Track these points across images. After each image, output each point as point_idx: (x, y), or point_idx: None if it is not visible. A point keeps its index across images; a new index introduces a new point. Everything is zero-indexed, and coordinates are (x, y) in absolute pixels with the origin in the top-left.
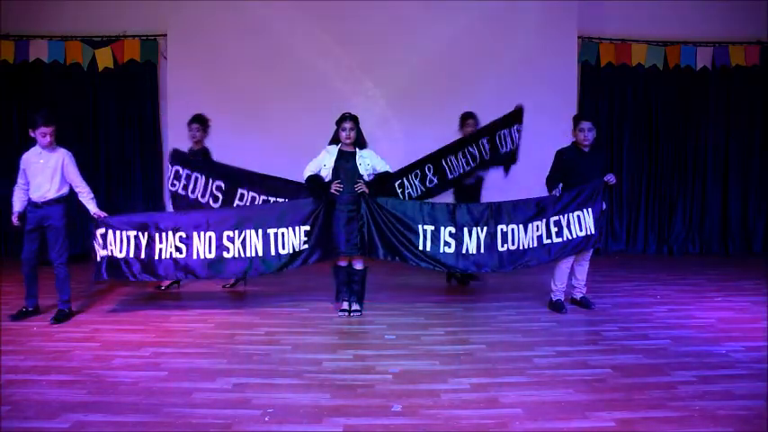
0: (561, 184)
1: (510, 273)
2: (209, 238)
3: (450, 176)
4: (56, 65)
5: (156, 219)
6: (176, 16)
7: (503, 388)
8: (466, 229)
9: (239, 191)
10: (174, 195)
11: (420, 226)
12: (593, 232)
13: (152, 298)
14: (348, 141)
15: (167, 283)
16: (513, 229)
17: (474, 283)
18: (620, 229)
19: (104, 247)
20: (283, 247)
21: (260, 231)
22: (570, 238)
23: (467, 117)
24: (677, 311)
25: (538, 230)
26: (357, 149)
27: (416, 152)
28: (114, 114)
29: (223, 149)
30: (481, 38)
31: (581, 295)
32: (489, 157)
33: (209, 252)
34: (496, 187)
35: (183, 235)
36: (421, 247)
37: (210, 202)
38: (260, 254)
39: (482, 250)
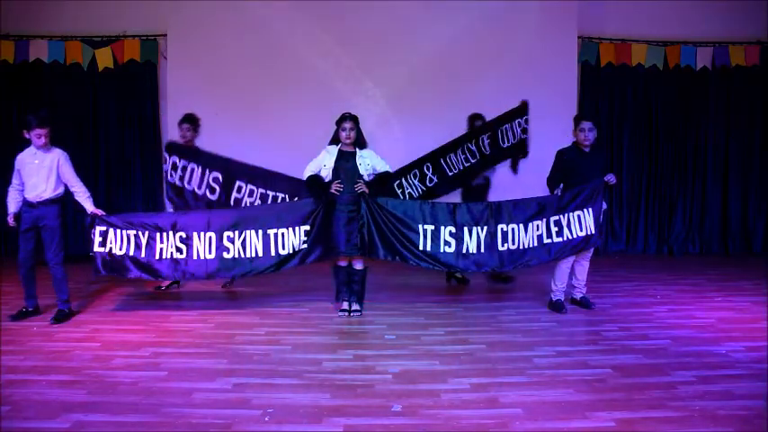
0: (562, 185)
1: (510, 272)
2: (210, 238)
3: (450, 174)
4: (56, 65)
5: (156, 219)
6: (176, 16)
7: (503, 388)
8: (466, 229)
9: (237, 183)
10: (172, 187)
11: (420, 225)
12: (592, 232)
13: (152, 298)
14: (348, 141)
15: (167, 283)
16: (513, 229)
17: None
18: (620, 229)
19: (103, 244)
20: (283, 248)
21: (260, 232)
22: (570, 237)
23: (475, 118)
24: (677, 311)
25: (538, 230)
26: (357, 149)
27: (416, 152)
28: (114, 114)
29: (223, 149)
30: (481, 38)
31: (581, 295)
32: (490, 153)
33: (210, 253)
34: (500, 187)
35: (184, 235)
36: (421, 247)
37: (207, 193)
38: (260, 254)
39: (482, 250)
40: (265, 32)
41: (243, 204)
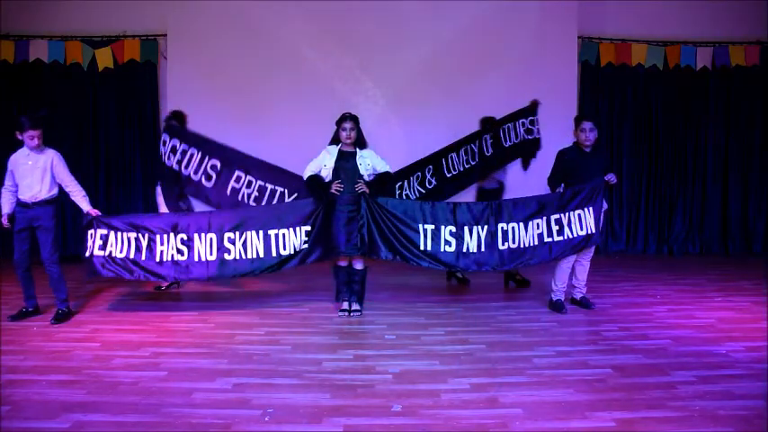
0: (563, 185)
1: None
2: (211, 239)
3: (447, 174)
4: (56, 65)
5: (157, 221)
6: (176, 16)
7: (503, 388)
8: (466, 228)
9: (236, 172)
10: (168, 170)
11: (420, 225)
12: (593, 231)
13: (152, 298)
14: (348, 141)
15: (167, 283)
16: (513, 228)
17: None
18: (620, 229)
19: (103, 248)
20: (284, 248)
21: (261, 233)
22: (571, 236)
23: (486, 122)
24: (677, 311)
25: (538, 228)
26: (357, 149)
27: (416, 152)
28: (114, 114)
29: None
30: (481, 38)
31: (581, 295)
32: (492, 153)
33: (211, 254)
34: (511, 190)
35: (185, 237)
36: (422, 247)
37: (203, 179)
38: (261, 255)
39: (483, 249)
40: (265, 32)
41: (240, 195)
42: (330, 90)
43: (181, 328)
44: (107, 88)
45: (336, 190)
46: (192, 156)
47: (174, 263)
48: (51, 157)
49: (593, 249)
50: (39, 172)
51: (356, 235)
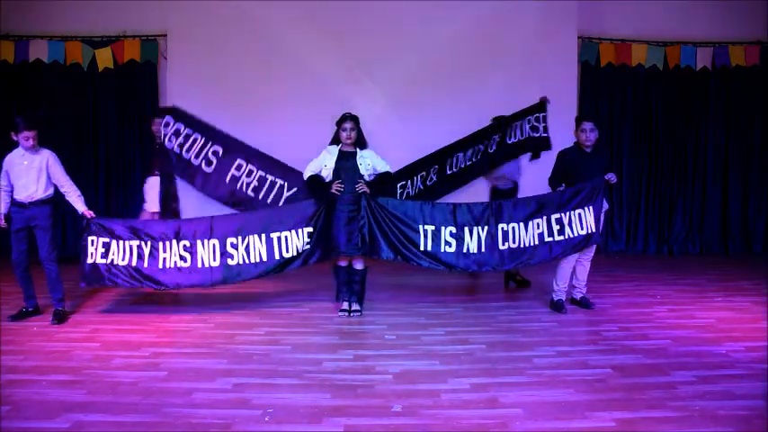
0: (564, 185)
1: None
2: (213, 245)
3: (448, 171)
4: (56, 65)
5: (159, 227)
6: (176, 16)
7: (503, 388)
8: (467, 229)
9: (237, 160)
10: (167, 153)
11: (421, 226)
12: (593, 230)
13: (152, 298)
14: (349, 142)
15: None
16: (513, 228)
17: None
18: (620, 229)
19: (105, 255)
20: (287, 251)
21: (263, 236)
22: (572, 236)
23: (498, 120)
24: (677, 311)
25: (539, 228)
26: (358, 150)
27: (416, 152)
28: (114, 114)
29: None
30: (481, 38)
31: (581, 295)
32: (495, 150)
33: (214, 260)
34: (522, 191)
35: (187, 243)
36: (422, 247)
37: (203, 165)
38: (264, 258)
39: (483, 249)
40: (265, 32)
41: (239, 183)
42: (330, 90)
43: (181, 329)
44: (107, 88)
45: (337, 190)
46: (195, 140)
47: (178, 269)
48: (47, 157)
49: (593, 249)
50: (34, 172)
51: (357, 235)
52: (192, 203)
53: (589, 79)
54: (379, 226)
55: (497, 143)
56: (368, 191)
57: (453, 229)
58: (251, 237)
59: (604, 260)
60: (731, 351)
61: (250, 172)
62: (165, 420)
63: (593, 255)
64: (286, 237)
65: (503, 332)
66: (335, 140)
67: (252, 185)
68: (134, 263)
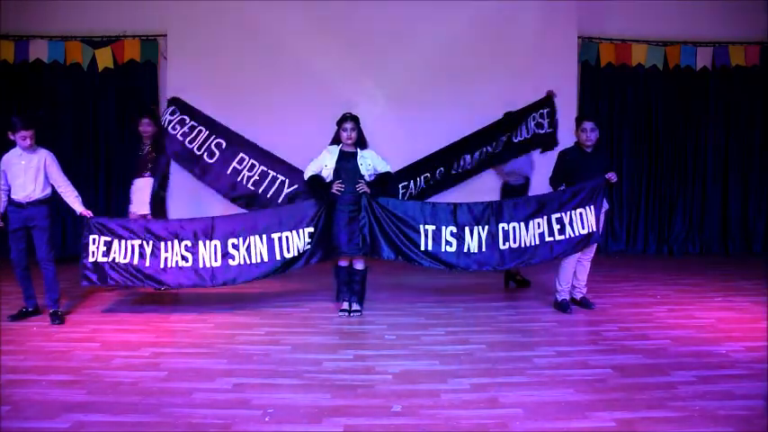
0: (564, 185)
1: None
2: (215, 246)
3: (453, 172)
4: (56, 65)
5: (160, 227)
6: (176, 16)
7: (503, 388)
8: (467, 229)
9: (240, 154)
10: (171, 139)
11: (421, 226)
12: (594, 229)
13: (152, 298)
14: (349, 142)
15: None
16: (514, 228)
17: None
18: (620, 229)
19: (107, 254)
20: (288, 251)
21: (264, 237)
22: (573, 235)
23: (509, 115)
24: (677, 311)
25: (539, 228)
26: (358, 150)
27: (417, 152)
28: (114, 114)
29: None
30: (481, 38)
31: (581, 295)
32: (500, 150)
33: (215, 260)
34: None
35: (189, 243)
36: (422, 247)
37: (205, 156)
38: (265, 259)
39: (484, 249)
40: (265, 32)
41: (240, 176)
42: (330, 90)
43: (181, 328)
44: (107, 88)
45: (337, 190)
46: (199, 132)
47: (179, 269)
48: (44, 157)
49: (593, 249)
50: (32, 172)
51: (358, 235)
52: (188, 205)
53: (589, 79)
54: (380, 226)
55: (504, 143)
56: (368, 191)
57: (454, 229)
58: (252, 237)
59: (604, 260)
60: (731, 351)
61: (252, 166)
62: (165, 420)
63: (593, 255)
64: (287, 237)
65: (503, 332)
66: (336, 140)
67: (253, 179)
68: (135, 262)
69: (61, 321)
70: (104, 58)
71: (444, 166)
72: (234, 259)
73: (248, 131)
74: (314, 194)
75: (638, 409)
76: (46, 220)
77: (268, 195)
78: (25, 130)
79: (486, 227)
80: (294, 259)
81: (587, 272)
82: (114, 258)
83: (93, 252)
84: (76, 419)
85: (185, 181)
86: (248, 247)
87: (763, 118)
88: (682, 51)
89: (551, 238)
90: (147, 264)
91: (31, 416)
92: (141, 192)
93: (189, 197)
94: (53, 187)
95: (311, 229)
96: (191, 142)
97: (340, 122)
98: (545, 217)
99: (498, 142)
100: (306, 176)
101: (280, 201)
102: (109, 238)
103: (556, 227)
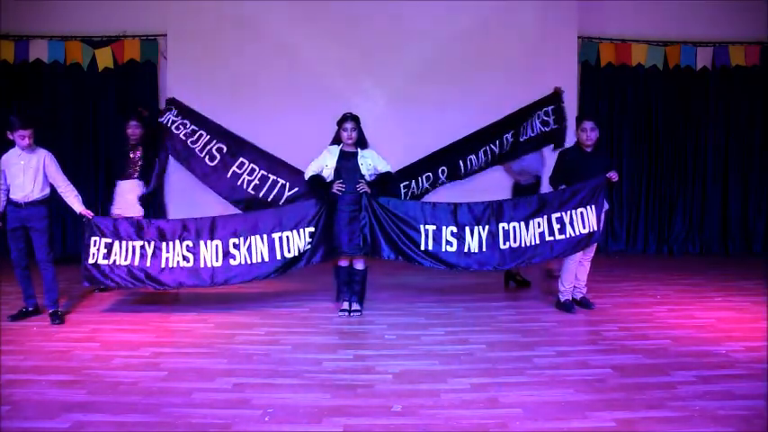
0: (564, 186)
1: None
2: (216, 246)
3: (462, 173)
4: (56, 65)
5: (162, 226)
6: (176, 16)
7: (503, 388)
8: (467, 228)
9: (240, 158)
10: (174, 138)
11: (422, 225)
12: (595, 229)
13: (152, 298)
14: (350, 142)
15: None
16: (514, 227)
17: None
18: (620, 229)
19: (107, 256)
20: (289, 251)
21: (265, 237)
22: (573, 234)
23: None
24: (677, 311)
25: (539, 227)
26: (358, 149)
27: (417, 152)
28: (114, 114)
29: None
30: (481, 38)
31: (581, 295)
32: (508, 150)
33: (216, 261)
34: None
35: (190, 244)
36: (423, 247)
37: (206, 159)
38: (266, 259)
39: (484, 249)
40: (265, 32)
41: (240, 180)
42: (331, 90)
43: (181, 328)
44: (107, 88)
45: (338, 190)
46: (200, 135)
47: (180, 269)
48: (43, 156)
49: (594, 249)
50: (31, 172)
51: (358, 235)
52: (188, 205)
53: (589, 79)
54: (381, 226)
55: (512, 144)
56: (369, 191)
57: (454, 229)
58: (253, 237)
59: (604, 260)
60: (731, 351)
61: (252, 170)
62: (164, 420)
63: (592, 255)
64: (288, 237)
65: (503, 332)
66: (336, 140)
67: (253, 183)
68: (136, 263)
69: (61, 321)
70: (104, 58)
71: (447, 165)
72: (235, 259)
73: (248, 131)
74: (314, 194)
75: (638, 409)
76: (44, 221)
77: (269, 199)
78: (23, 129)
79: (487, 227)
80: (295, 259)
81: (587, 272)
82: (115, 261)
83: (95, 254)
84: (76, 419)
85: (185, 181)
86: (249, 247)
87: (763, 118)
88: (682, 51)
89: (551, 238)
90: (148, 264)
91: (31, 416)
92: (127, 194)
93: (189, 197)
94: (52, 187)
95: (312, 229)
96: (193, 143)
97: (340, 122)
98: (545, 216)
99: (504, 142)
100: (306, 176)
101: (281, 204)
102: (110, 240)
103: (556, 226)
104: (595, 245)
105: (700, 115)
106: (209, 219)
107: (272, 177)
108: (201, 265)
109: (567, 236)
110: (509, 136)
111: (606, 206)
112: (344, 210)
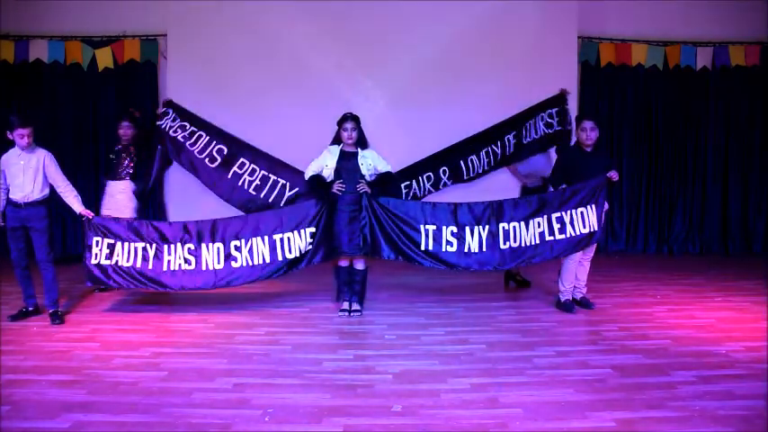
0: (564, 186)
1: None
2: (218, 248)
3: (465, 177)
4: (56, 65)
5: (164, 229)
6: (176, 16)
7: (503, 388)
8: (468, 228)
9: (240, 159)
10: (173, 140)
11: (422, 225)
12: (595, 229)
13: (152, 298)
14: (350, 142)
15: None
16: (514, 227)
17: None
18: (620, 229)
19: (110, 257)
20: (290, 252)
21: (266, 238)
22: (574, 234)
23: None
24: (677, 311)
25: (539, 227)
26: (359, 150)
27: (418, 152)
28: (114, 114)
29: None
30: (481, 38)
31: (581, 295)
32: (512, 152)
33: (218, 263)
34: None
35: (192, 246)
36: (423, 247)
37: (207, 161)
38: (267, 260)
39: (484, 248)
40: (265, 32)
41: (241, 180)
42: (331, 90)
43: (181, 328)
44: (107, 88)
45: (338, 190)
46: (200, 137)
47: (182, 272)
48: (43, 156)
49: (593, 249)
50: (31, 172)
51: (358, 235)
52: (188, 205)
53: (589, 79)
54: (381, 226)
55: (515, 145)
56: (369, 191)
57: (454, 229)
58: (254, 239)
59: (604, 260)
60: (731, 351)
61: (253, 171)
62: (165, 420)
63: (592, 255)
64: (288, 238)
65: (503, 332)
66: (336, 140)
67: (254, 184)
68: (138, 265)
69: (61, 321)
70: (104, 58)
71: (448, 166)
72: (237, 261)
73: (248, 131)
74: (315, 194)
75: (638, 409)
76: (43, 222)
77: (270, 200)
78: (23, 128)
79: (487, 226)
80: (296, 260)
81: (587, 272)
82: (117, 261)
83: (97, 254)
84: (76, 419)
85: (185, 181)
86: (250, 248)
87: (763, 118)
88: (682, 51)
89: (551, 238)
90: (151, 266)
91: (31, 416)
92: (117, 195)
93: (189, 197)
94: (52, 187)
95: (312, 230)
96: (192, 146)
97: (340, 122)
98: (545, 216)
99: (506, 143)
100: (306, 176)
101: (281, 205)
102: (112, 241)
103: (556, 226)
104: (595, 245)
105: (700, 115)
106: (210, 221)
107: (272, 178)
108: (203, 268)
109: (568, 235)
110: (511, 137)
111: (606, 206)
112: (344, 210)
